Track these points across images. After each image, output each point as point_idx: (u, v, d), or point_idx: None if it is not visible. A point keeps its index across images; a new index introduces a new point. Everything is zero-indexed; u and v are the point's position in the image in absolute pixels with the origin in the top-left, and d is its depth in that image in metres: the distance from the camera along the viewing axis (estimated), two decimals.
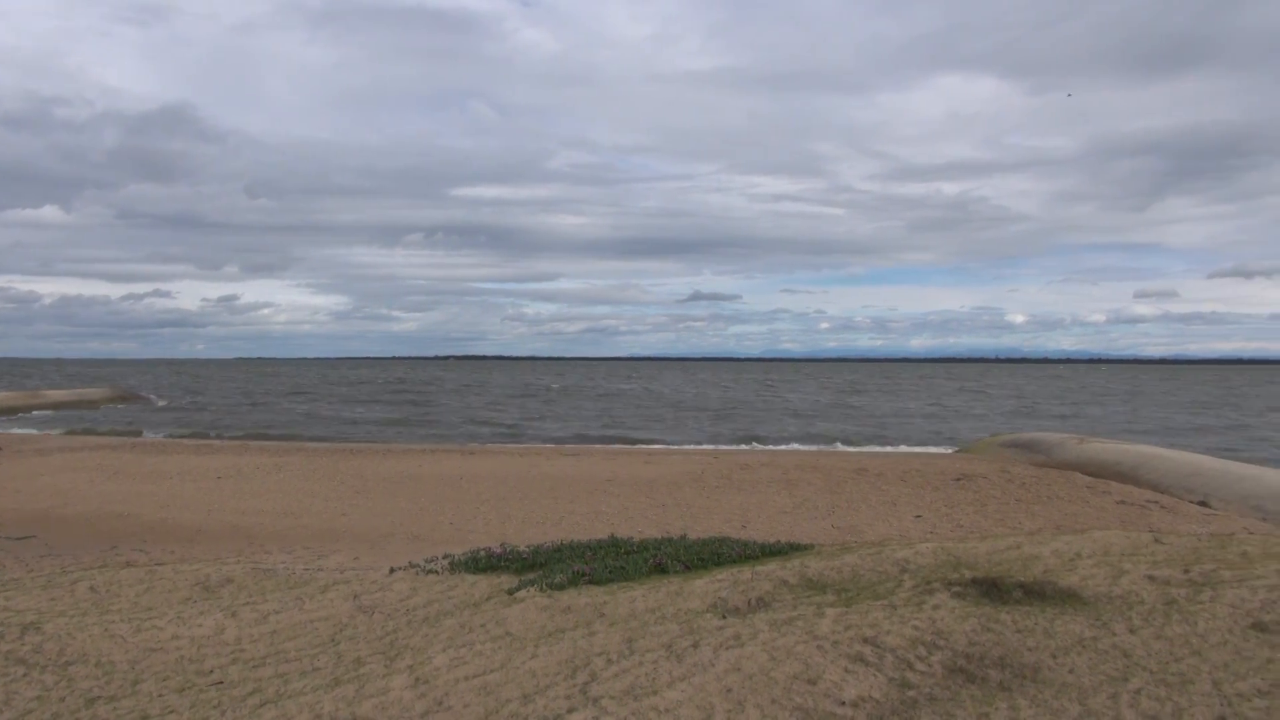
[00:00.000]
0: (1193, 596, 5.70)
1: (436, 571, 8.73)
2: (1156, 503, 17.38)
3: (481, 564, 8.86)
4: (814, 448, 33.35)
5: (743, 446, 33.96)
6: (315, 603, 7.55)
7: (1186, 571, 6.19)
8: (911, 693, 4.57)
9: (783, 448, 33.32)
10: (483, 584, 8.00)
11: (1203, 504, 17.34)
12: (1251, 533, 12.67)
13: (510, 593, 7.39)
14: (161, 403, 60.36)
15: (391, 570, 8.98)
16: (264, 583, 8.48)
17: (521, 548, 9.45)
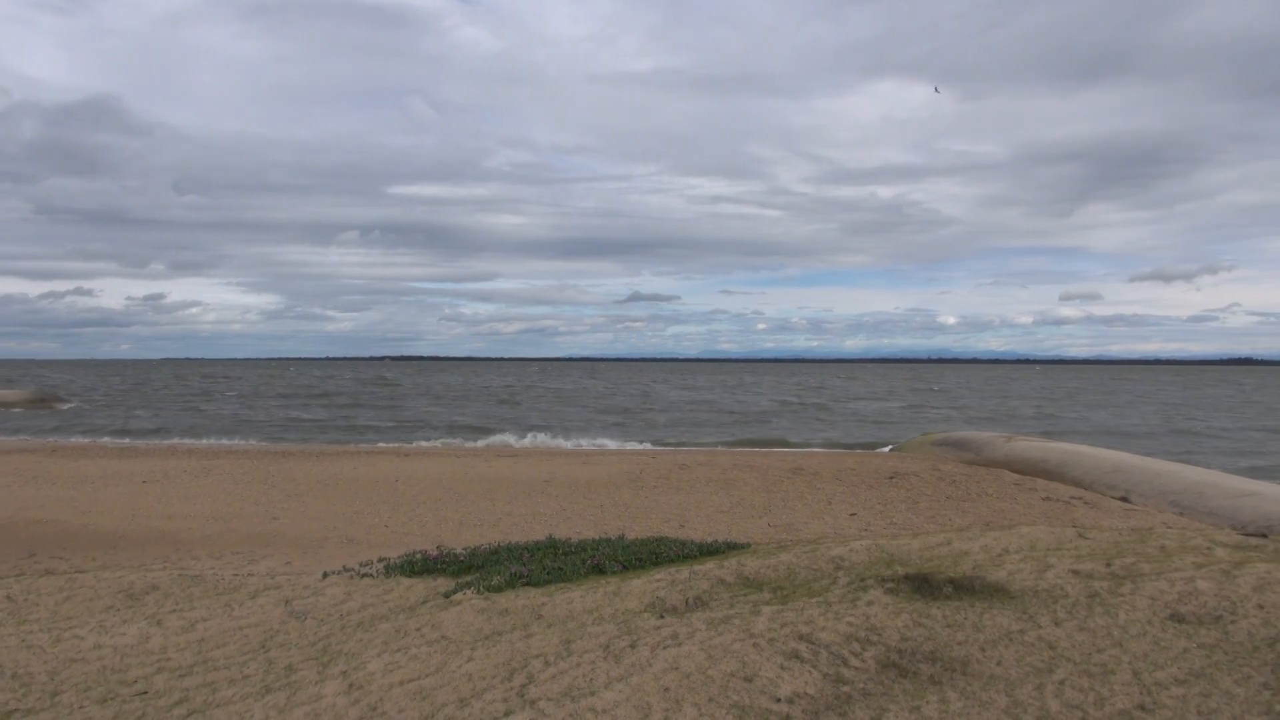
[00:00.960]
0: (1114, 589, 5.88)
1: (371, 575, 8.60)
2: (1080, 498, 17.90)
3: (417, 567, 8.75)
4: (751, 448, 33.64)
5: (681, 447, 34.10)
6: (245, 609, 7.38)
7: (1108, 565, 6.38)
8: (846, 688, 4.63)
9: (720, 448, 33.54)
10: (418, 587, 7.90)
11: (1124, 499, 17.91)
12: (1169, 527, 13.13)
13: (446, 595, 7.32)
14: (82, 404, 58.37)
15: (325, 574, 8.81)
16: (191, 589, 8.26)
17: (458, 550, 9.36)
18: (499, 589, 7.33)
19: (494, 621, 6.34)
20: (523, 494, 18.42)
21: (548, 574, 7.70)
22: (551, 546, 9.36)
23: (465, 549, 9.41)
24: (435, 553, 9.15)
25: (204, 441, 34.36)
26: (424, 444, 33.95)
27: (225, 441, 34.64)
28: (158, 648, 6.39)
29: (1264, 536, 8.03)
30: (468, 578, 7.99)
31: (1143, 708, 4.30)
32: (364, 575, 8.61)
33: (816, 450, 32.21)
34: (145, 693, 5.46)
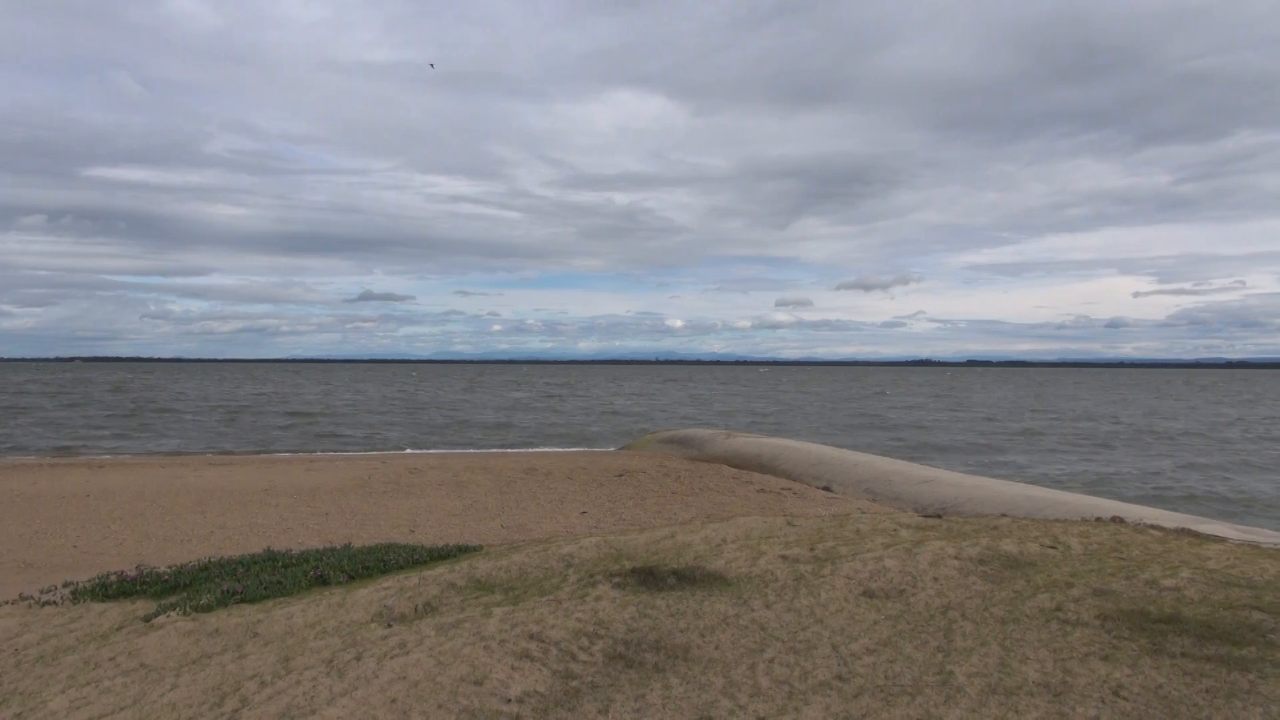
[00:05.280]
0: (817, 571, 6.42)
1: (55, 603, 7.68)
2: (790, 489, 19.37)
3: (112, 590, 7.91)
4: (484, 449, 33.46)
5: (412, 450, 33.28)
6: None
7: (812, 550, 6.96)
8: (575, 683, 4.72)
9: (452, 450, 33.07)
10: (113, 612, 7.16)
11: (826, 489, 19.60)
12: (864, 512, 14.52)
13: (146, 619, 6.68)
14: None
15: None
16: None
17: (162, 569, 8.58)
18: (209, 608, 6.79)
19: (202, 644, 5.86)
20: (238, 504, 17.18)
21: (265, 589, 7.24)
22: (270, 559, 8.82)
23: (170, 567, 8.64)
24: (134, 573, 8.32)
25: None
26: (122, 454, 30.75)
27: None
28: None
29: (939, 517, 9.10)
30: (173, 598, 7.34)
31: (840, 677, 4.72)
32: (45, 603, 7.67)
33: (548, 450, 32.59)
34: None
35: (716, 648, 5.17)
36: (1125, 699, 4.29)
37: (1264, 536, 10.41)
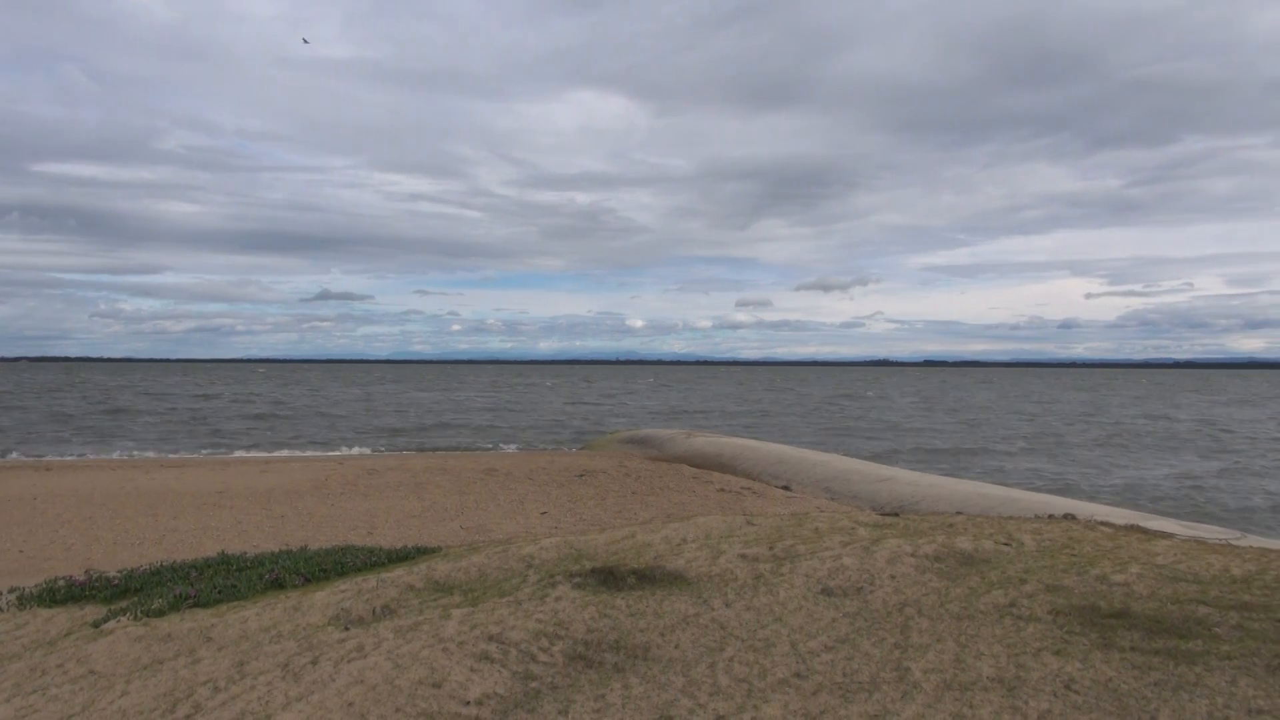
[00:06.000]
0: (776, 570, 6.46)
1: (0, 609, 7.49)
2: (750, 489, 19.47)
3: (60, 595, 7.74)
4: (443, 450, 33.22)
5: (370, 451, 32.95)
6: None
7: (771, 548, 7.00)
8: (534, 684, 4.71)
9: (412, 451, 32.80)
10: (61, 618, 7.00)
11: (786, 488, 19.73)
12: (822, 511, 14.63)
13: (95, 625, 6.54)
14: None
15: None
16: None
17: (111, 573, 8.41)
18: (160, 613, 6.67)
19: (154, 649, 5.75)
20: (191, 507, 16.88)
21: (219, 593, 7.13)
22: (224, 563, 8.68)
23: (121, 571, 8.47)
24: (82, 578, 8.14)
25: None
26: (68, 455, 30.07)
27: None
28: None
29: (896, 515, 9.20)
30: (123, 603, 7.20)
31: (799, 674, 4.75)
32: None
33: (509, 451, 32.45)
34: None
35: (676, 647, 5.18)
36: (1076, 692, 4.37)
37: (1209, 532, 10.67)
